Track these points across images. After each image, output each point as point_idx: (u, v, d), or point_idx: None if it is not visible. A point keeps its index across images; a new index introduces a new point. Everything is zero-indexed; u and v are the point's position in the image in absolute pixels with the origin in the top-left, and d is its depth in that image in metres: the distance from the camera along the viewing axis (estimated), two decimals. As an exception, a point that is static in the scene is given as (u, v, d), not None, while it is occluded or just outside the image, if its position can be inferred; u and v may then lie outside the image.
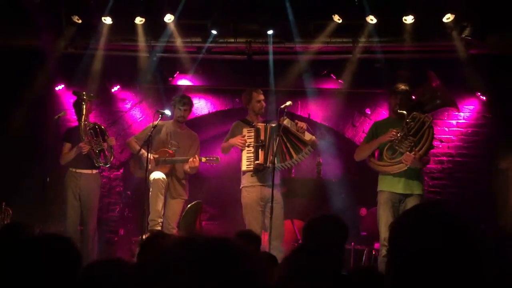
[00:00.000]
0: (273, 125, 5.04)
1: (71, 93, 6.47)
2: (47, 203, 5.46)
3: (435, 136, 5.70)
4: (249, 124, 5.19)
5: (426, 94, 5.12)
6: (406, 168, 4.53)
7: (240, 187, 5.14)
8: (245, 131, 5.14)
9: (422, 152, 4.53)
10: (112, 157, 5.65)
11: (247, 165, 5.04)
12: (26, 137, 6.21)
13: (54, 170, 5.72)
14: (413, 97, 5.11)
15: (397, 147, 4.59)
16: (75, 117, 5.76)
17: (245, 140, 5.08)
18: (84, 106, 5.54)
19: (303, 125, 5.00)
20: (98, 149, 5.52)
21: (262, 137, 5.04)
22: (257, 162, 4.96)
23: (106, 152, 5.57)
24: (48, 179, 5.57)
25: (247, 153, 5.06)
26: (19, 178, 5.91)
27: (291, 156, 4.97)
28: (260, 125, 5.10)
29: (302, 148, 4.98)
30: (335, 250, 2.23)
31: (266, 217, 4.93)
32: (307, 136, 4.97)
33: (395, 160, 4.59)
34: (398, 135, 4.58)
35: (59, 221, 5.62)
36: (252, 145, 5.05)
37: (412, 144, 4.55)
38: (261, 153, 4.99)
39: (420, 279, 1.19)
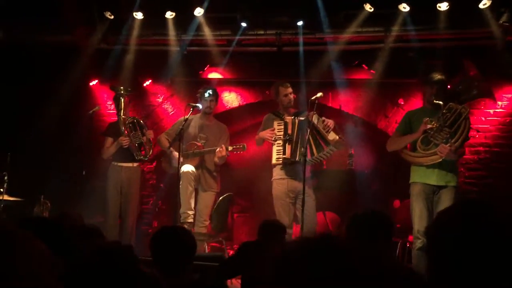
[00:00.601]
0: (302, 118, 5.02)
1: (104, 88, 6.60)
2: (83, 196, 5.59)
3: (471, 126, 5.56)
4: (279, 117, 5.18)
5: (463, 84, 4.99)
6: (441, 159, 4.44)
7: (272, 179, 5.16)
8: (275, 124, 5.16)
9: (458, 144, 4.43)
10: (151, 150, 5.73)
11: (276, 158, 5.07)
12: (62, 131, 6.36)
13: (89, 163, 5.86)
14: (448, 86, 4.98)
15: (432, 138, 4.49)
16: (109, 111, 5.84)
17: (274, 133, 5.09)
18: (122, 100, 5.64)
19: (329, 123, 4.93)
20: (138, 142, 5.61)
21: (289, 131, 5.04)
22: (284, 156, 4.97)
23: (145, 145, 5.65)
24: (84, 172, 5.71)
25: (277, 146, 5.09)
26: (55, 172, 6.07)
27: (312, 153, 4.93)
28: (288, 119, 5.09)
29: (323, 147, 4.92)
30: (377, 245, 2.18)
31: (298, 210, 4.93)
32: (331, 136, 4.89)
33: (429, 152, 4.50)
34: (434, 124, 4.47)
35: (96, 214, 5.76)
36: (281, 138, 5.05)
37: (448, 135, 4.44)
38: (288, 148, 5.00)
39: (461, 275, 1.18)
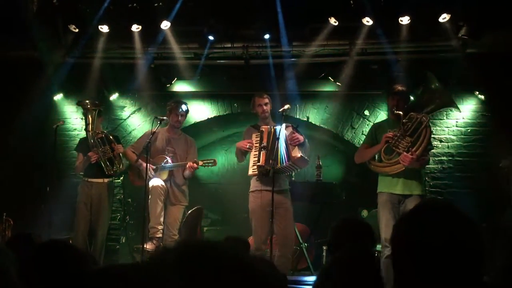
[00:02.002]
0: (277, 128, 4.99)
1: (69, 101, 6.49)
2: (48, 212, 5.44)
3: (434, 136, 5.69)
4: (257, 129, 5.14)
5: (425, 95, 5.12)
6: (404, 168, 4.52)
7: (249, 192, 5.08)
8: (253, 136, 5.08)
9: (419, 152, 4.50)
10: (121, 165, 5.61)
11: (252, 169, 4.96)
12: (26, 146, 6.21)
13: (53, 179, 5.71)
14: (411, 98, 5.11)
15: (394, 148, 4.57)
16: (73, 126, 5.71)
17: (252, 144, 5.02)
18: (89, 115, 5.53)
19: (295, 139, 4.85)
20: (107, 157, 5.50)
21: (264, 140, 4.95)
22: (258, 164, 4.90)
23: (115, 160, 5.54)
24: (48, 188, 5.57)
25: (253, 157, 4.99)
26: (19, 188, 5.90)
27: (276, 165, 4.85)
28: (264, 128, 5.05)
29: (285, 161, 4.86)
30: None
31: (275, 223, 4.80)
32: (294, 152, 4.83)
33: (393, 161, 4.58)
34: (395, 134, 4.56)
35: (62, 230, 5.62)
36: (257, 148, 4.98)
37: (409, 144, 4.53)
38: (262, 155, 4.89)
39: (426, 275, 1.20)
